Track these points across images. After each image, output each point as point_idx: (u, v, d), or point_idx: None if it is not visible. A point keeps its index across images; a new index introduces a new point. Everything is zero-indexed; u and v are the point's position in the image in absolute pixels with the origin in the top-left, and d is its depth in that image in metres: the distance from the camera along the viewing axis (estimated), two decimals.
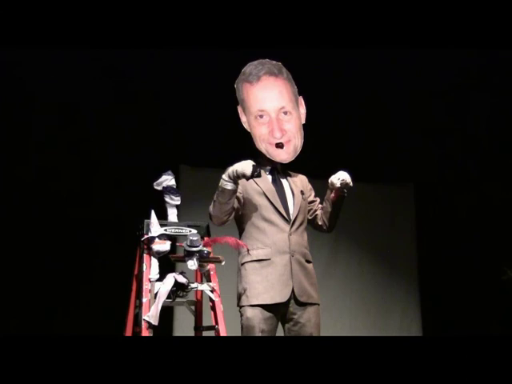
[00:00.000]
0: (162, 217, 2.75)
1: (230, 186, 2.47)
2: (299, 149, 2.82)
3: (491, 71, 4.62)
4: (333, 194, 2.73)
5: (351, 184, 2.68)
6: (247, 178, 2.48)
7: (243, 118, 2.86)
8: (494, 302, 4.88)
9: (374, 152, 5.10)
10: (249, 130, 2.83)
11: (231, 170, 2.47)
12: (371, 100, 4.87)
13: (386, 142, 5.07)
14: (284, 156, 2.77)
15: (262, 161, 2.74)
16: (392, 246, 5.39)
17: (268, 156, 2.76)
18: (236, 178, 2.47)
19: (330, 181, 2.71)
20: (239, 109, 2.87)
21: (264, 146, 2.76)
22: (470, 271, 5.07)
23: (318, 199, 2.87)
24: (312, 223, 2.83)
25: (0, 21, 2.94)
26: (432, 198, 5.41)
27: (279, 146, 2.75)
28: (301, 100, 2.92)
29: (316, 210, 2.84)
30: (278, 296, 2.52)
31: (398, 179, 5.43)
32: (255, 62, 2.85)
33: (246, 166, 2.45)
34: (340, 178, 2.66)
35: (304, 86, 2.93)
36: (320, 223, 2.83)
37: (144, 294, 2.56)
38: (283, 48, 3.23)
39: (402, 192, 5.56)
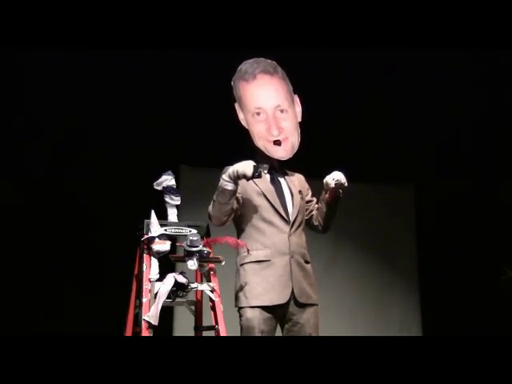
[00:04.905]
0: (162, 217, 2.75)
1: (230, 186, 2.47)
2: (296, 146, 2.83)
3: (491, 71, 4.62)
4: (328, 195, 2.72)
5: (346, 184, 2.67)
6: (248, 179, 2.48)
7: (241, 116, 2.86)
8: (494, 302, 4.88)
9: (373, 152, 5.10)
10: (246, 127, 2.83)
11: (231, 170, 2.46)
12: (371, 100, 4.86)
13: (386, 141, 5.07)
14: (282, 153, 2.77)
15: (259, 159, 2.72)
16: (392, 246, 5.38)
17: (266, 153, 2.75)
18: (236, 179, 2.46)
19: (324, 181, 2.70)
20: (236, 106, 2.87)
21: (262, 143, 2.76)
22: (470, 271, 5.07)
23: (315, 199, 2.86)
24: (308, 223, 2.82)
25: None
26: (432, 197, 5.40)
27: (277, 143, 2.75)
28: (296, 98, 2.92)
29: (312, 211, 2.83)
30: (278, 297, 2.52)
31: (398, 179, 5.43)
32: (250, 61, 2.86)
33: (246, 166, 2.45)
34: (334, 178, 2.65)
35: (304, 86, 2.93)
36: (316, 224, 2.82)
37: (144, 293, 2.56)
38: (283, 48, 3.23)
39: (401, 192, 5.55)
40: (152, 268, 2.61)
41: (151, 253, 2.63)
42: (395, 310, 5.30)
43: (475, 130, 5.02)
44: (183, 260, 2.60)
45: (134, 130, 4.45)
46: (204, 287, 2.69)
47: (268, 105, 2.79)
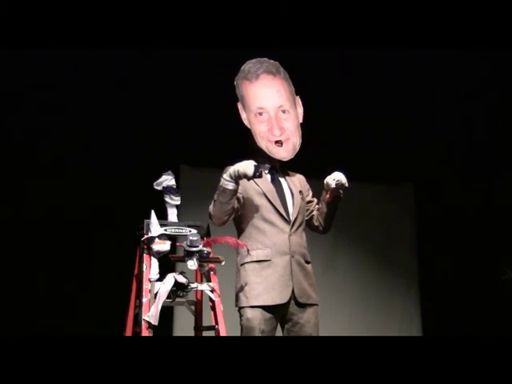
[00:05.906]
0: (162, 217, 2.75)
1: (231, 185, 2.47)
2: (298, 147, 2.83)
3: (492, 71, 4.62)
4: (328, 195, 2.73)
5: (346, 185, 2.67)
6: (249, 179, 2.48)
7: (243, 115, 2.86)
8: (494, 302, 4.88)
9: (373, 152, 5.10)
10: (249, 127, 2.83)
11: (233, 169, 2.46)
12: (371, 100, 4.86)
13: (386, 141, 5.07)
14: (283, 154, 2.77)
15: (260, 159, 2.72)
16: (392, 246, 5.39)
17: (268, 153, 2.75)
18: (237, 178, 2.46)
19: (325, 181, 2.70)
20: (239, 105, 2.87)
21: (264, 143, 2.76)
22: (470, 271, 5.07)
23: (316, 200, 2.86)
24: (308, 224, 2.82)
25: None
26: (432, 197, 5.40)
27: (278, 143, 2.75)
28: (298, 99, 2.93)
29: (312, 211, 2.83)
30: (278, 297, 2.52)
31: (398, 179, 5.43)
32: (253, 61, 2.86)
33: (247, 166, 2.45)
34: (335, 178, 2.65)
35: (304, 86, 2.93)
36: (316, 224, 2.83)
37: (144, 294, 2.56)
38: (283, 48, 3.23)
39: (402, 192, 5.56)
40: (152, 268, 2.61)
41: (151, 253, 2.63)
42: (395, 310, 5.30)
43: (475, 130, 5.02)
44: (183, 260, 2.60)
45: (134, 130, 4.45)
46: (204, 287, 2.69)
47: (270, 105, 2.79)
